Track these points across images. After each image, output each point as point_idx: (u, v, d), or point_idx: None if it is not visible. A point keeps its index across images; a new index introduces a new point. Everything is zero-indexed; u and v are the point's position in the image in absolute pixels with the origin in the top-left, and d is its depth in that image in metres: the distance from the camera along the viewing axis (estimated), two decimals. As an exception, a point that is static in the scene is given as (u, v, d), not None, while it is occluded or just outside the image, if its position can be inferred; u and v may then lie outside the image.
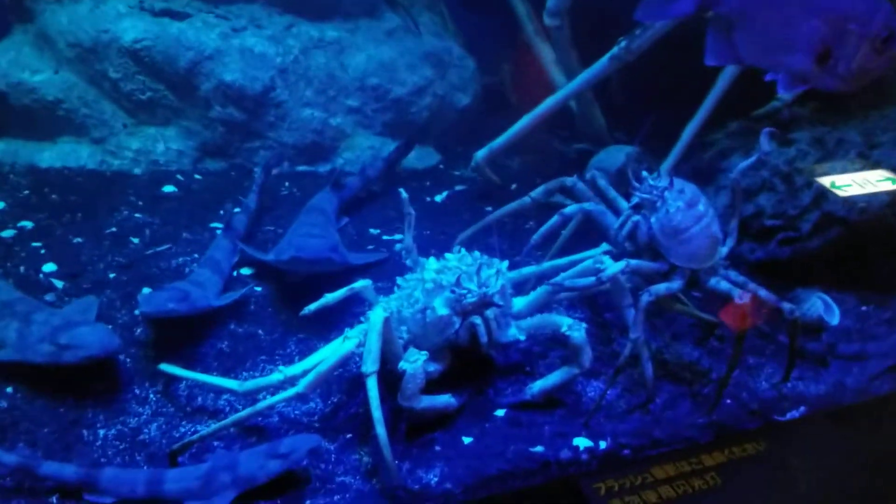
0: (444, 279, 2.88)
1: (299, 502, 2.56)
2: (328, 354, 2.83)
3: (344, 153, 5.22)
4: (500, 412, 2.98)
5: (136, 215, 4.28)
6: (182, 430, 2.86)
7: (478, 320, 2.88)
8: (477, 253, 3.06)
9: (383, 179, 4.87)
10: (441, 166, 5.44)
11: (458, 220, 4.44)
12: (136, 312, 3.36)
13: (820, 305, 3.48)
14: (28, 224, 4.11)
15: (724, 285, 3.07)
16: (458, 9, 6.18)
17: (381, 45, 5.48)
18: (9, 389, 2.94)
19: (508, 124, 4.58)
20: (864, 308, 3.70)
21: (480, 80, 5.87)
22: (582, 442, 2.84)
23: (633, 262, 3.04)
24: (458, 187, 5.07)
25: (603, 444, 2.84)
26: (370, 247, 4.18)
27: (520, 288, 3.32)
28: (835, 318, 3.50)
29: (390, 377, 2.84)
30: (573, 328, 2.90)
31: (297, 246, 3.47)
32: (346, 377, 3.10)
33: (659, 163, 4.14)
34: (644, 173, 3.20)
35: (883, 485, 2.76)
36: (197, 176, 4.89)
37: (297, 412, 2.96)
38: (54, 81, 4.86)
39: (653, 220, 3.11)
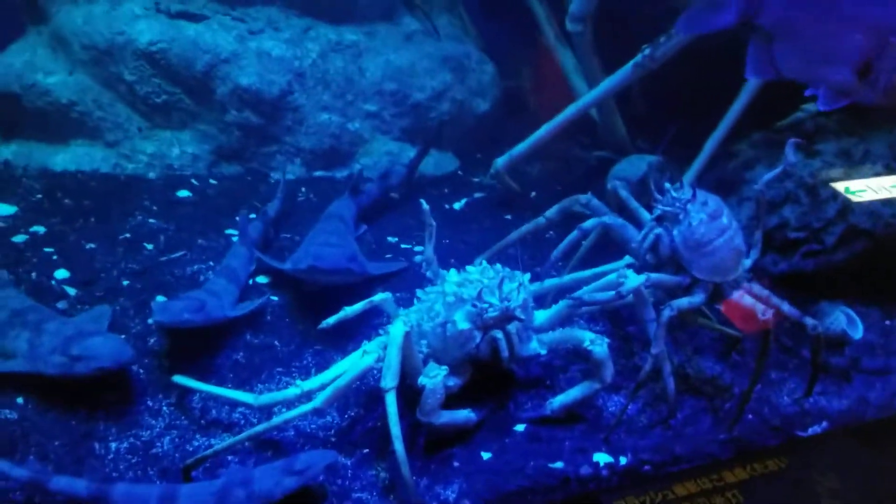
0: (466, 292, 2.84)
1: (315, 520, 2.53)
2: (346, 368, 2.79)
3: (361, 158, 5.19)
4: (520, 427, 2.95)
5: (151, 220, 4.26)
6: (196, 443, 2.82)
7: (499, 334, 2.85)
8: (499, 266, 3.02)
9: (404, 186, 4.84)
10: (459, 172, 5.41)
11: (477, 228, 4.42)
12: (150, 321, 3.32)
13: (843, 319, 3.45)
14: (40, 229, 4.08)
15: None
16: (477, 12, 6.15)
17: (399, 49, 5.45)
18: (20, 400, 2.91)
19: (528, 129, 4.55)
20: (888, 322, 3.66)
21: (500, 84, 5.83)
22: (602, 458, 2.81)
23: (654, 275, 3.00)
24: (477, 195, 5.04)
25: (623, 460, 2.81)
26: (388, 255, 4.14)
27: (540, 300, 3.29)
28: (858, 332, 3.46)
29: (409, 391, 2.81)
30: (595, 343, 2.86)
31: (315, 255, 3.43)
32: (363, 390, 3.07)
33: (681, 172, 4.12)
34: (667, 185, 3.16)
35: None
36: (212, 181, 4.87)
37: (313, 426, 2.92)
38: (68, 83, 4.84)
39: (675, 232, 3.06)
